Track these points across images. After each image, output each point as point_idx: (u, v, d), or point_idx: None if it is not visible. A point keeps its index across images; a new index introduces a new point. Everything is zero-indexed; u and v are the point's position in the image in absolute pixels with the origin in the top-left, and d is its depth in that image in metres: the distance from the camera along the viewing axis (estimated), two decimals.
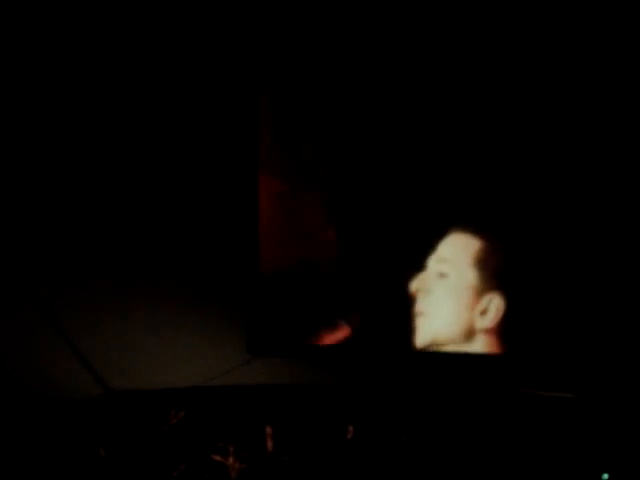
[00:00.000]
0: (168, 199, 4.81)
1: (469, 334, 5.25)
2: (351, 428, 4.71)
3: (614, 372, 5.08)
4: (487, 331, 5.24)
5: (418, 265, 5.26)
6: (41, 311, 4.57)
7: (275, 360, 4.95)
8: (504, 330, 5.22)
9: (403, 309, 5.21)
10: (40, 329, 4.60)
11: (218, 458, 4.61)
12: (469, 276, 5.28)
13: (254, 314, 4.96)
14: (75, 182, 4.66)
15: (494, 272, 5.30)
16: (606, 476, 4.74)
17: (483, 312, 5.19)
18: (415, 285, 5.18)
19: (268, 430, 4.70)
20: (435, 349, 5.15)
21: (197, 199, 4.85)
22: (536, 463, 4.73)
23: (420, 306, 5.16)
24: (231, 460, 4.62)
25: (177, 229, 4.83)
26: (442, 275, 5.21)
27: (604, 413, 4.88)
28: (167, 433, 4.62)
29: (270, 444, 4.67)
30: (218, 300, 4.89)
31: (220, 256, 4.90)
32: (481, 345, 5.22)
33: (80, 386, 4.63)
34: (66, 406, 4.54)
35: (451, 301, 5.25)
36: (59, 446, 4.45)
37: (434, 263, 5.24)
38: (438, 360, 5.08)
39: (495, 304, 5.17)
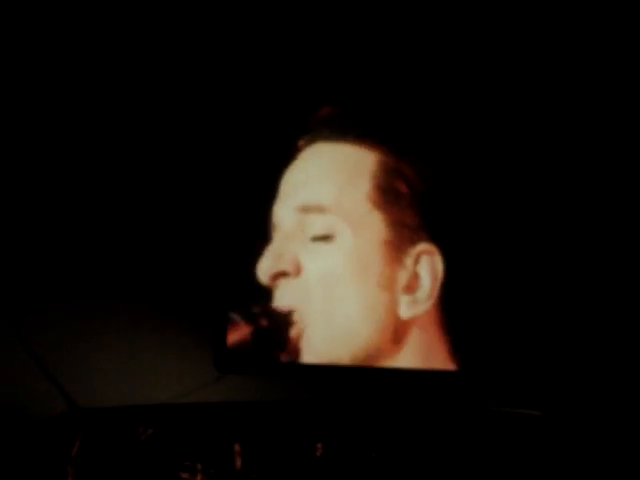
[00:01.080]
0: (136, 219, 4.82)
1: (393, 338, 3.43)
2: (320, 445, 4.70)
3: (580, 388, 5.12)
4: (421, 323, 3.41)
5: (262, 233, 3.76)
6: (7, 328, 4.51)
7: (244, 377, 4.93)
8: (449, 314, 3.43)
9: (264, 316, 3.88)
10: (5, 345, 4.54)
11: (186, 476, 4.56)
12: (372, 226, 3.34)
13: (222, 331, 4.94)
14: (43, 200, 4.64)
15: (416, 208, 3.37)
16: None
17: (409, 287, 3.36)
18: (270, 269, 3.51)
19: (237, 448, 4.66)
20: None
21: (166, 217, 4.84)
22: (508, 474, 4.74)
23: (289, 308, 3.57)
24: (199, 478, 4.57)
25: (144, 248, 4.82)
26: (321, 238, 3.46)
27: (569, 430, 4.91)
28: (134, 451, 4.56)
29: (239, 462, 4.64)
30: (186, 317, 4.86)
31: (187, 273, 4.88)
32: (413, 354, 3.54)
33: (45, 403, 4.56)
34: (30, 423, 4.47)
35: (348, 285, 3.39)
36: (24, 463, 4.38)
37: (296, 216, 3.49)
38: (392, 376, 5.04)
39: (427, 267, 3.25)
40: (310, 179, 3.57)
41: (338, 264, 3.46)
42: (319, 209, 3.52)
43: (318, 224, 3.47)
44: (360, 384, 5.00)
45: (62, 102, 4.70)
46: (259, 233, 4.67)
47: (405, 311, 3.46)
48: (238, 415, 4.75)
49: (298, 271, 3.60)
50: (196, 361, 4.83)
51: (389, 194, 3.51)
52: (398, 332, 3.53)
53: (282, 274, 3.66)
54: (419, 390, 5.06)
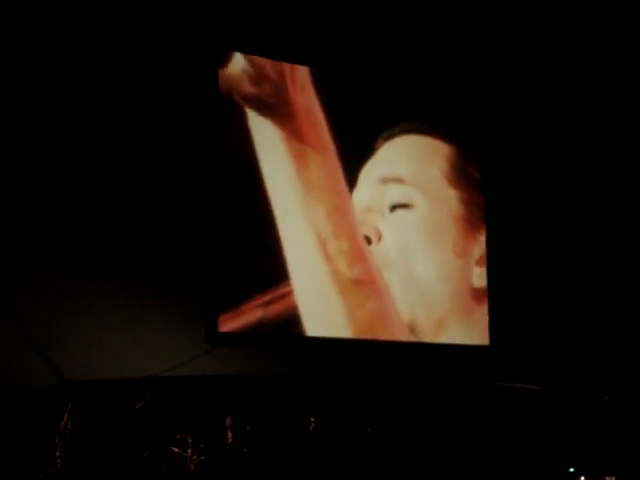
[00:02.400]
0: (129, 193, 4.75)
1: (465, 306, 3.67)
2: (313, 419, 4.66)
3: (580, 365, 5.13)
4: (482, 295, 3.72)
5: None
6: None
7: (235, 350, 4.89)
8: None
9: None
10: None
11: (176, 450, 4.51)
12: (448, 201, 3.66)
13: (213, 304, 4.89)
14: (36, 174, 4.58)
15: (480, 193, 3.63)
16: (572, 470, 4.77)
17: (480, 260, 3.60)
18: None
19: (228, 421, 4.62)
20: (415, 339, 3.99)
21: (159, 193, 4.80)
22: (502, 454, 4.75)
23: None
24: (190, 452, 4.52)
25: (135, 221, 4.75)
26: (399, 206, 3.80)
27: (570, 405, 4.91)
28: (124, 424, 4.51)
29: (230, 436, 4.60)
30: (177, 290, 4.81)
31: (179, 247, 4.83)
32: (480, 323, 3.76)
33: (34, 375, 4.51)
34: (20, 395, 4.41)
35: (425, 250, 3.68)
36: (13, 434, 4.32)
37: (376, 188, 3.81)
38: (403, 351, 5.03)
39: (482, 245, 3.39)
40: (389, 159, 3.82)
41: (416, 231, 3.66)
42: (397, 180, 3.75)
43: (397, 193, 3.69)
44: (359, 358, 4.99)
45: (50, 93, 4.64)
46: (255, 215, 4.80)
47: (477, 281, 3.66)
48: (229, 388, 4.71)
49: (379, 238, 3.70)
50: (187, 333, 4.79)
51: (462, 175, 3.82)
52: (470, 299, 3.75)
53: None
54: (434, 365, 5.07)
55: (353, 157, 4.33)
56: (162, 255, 4.80)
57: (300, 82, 4.51)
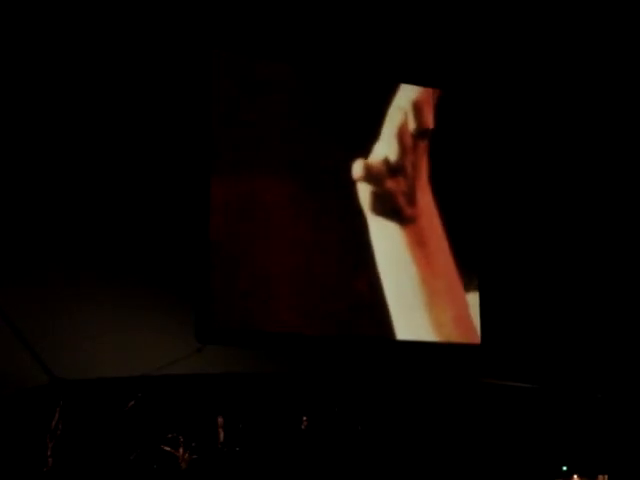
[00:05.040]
0: (119, 194, 4.75)
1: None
2: (305, 418, 4.66)
3: (573, 364, 5.14)
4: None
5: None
6: None
7: (226, 348, 4.89)
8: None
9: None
10: None
11: (168, 449, 4.50)
12: None
13: (204, 302, 4.89)
14: (31, 172, 4.57)
15: None
16: (565, 468, 4.78)
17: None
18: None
19: (219, 420, 4.61)
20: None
21: (148, 193, 4.79)
22: (495, 452, 4.76)
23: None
24: (181, 451, 4.51)
25: (126, 221, 4.74)
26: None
27: (563, 404, 4.92)
28: (115, 423, 4.49)
29: (222, 435, 4.59)
30: (168, 289, 4.80)
31: (169, 246, 4.83)
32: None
33: (25, 374, 4.49)
34: (12, 394, 4.40)
35: None
36: (4, 433, 4.31)
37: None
38: (391, 347, 5.05)
39: None
40: None
41: None
42: None
43: None
44: (350, 355, 4.99)
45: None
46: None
47: None
48: (221, 387, 4.70)
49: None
50: (178, 332, 4.78)
51: None
52: None
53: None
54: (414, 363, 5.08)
55: None
56: (153, 255, 4.80)
57: None
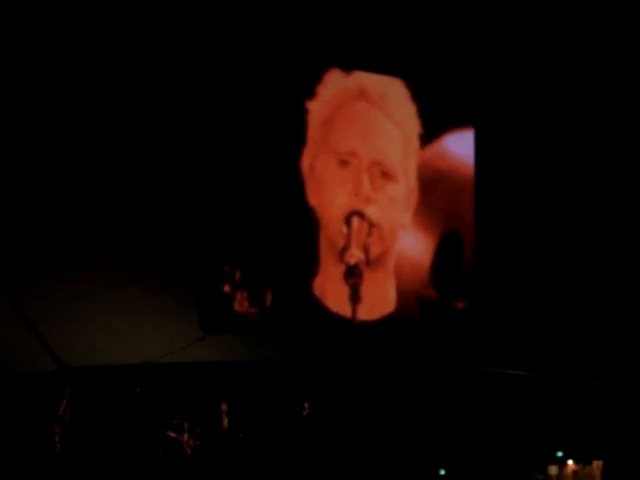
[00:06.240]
0: (129, 185, 4.82)
1: None
2: (307, 405, 4.71)
3: (568, 351, 5.17)
4: None
5: None
6: None
7: (229, 337, 4.94)
8: None
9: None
10: None
11: (173, 435, 4.56)
12: None
13: (207, 291, 4.94)
14: (35, 162, 4.62)
15: None
16: (560, 453, 4.82)
17: None
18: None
19: (223, 407, 4.67)
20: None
21: (157, 186, 4.86)
22: (491, 439, 4.79)
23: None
24: (186, 437, 4.57)
25: (134, 212, 4.81)
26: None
27: (558, 390, 4.95)
28: (122, 409, 4.56)
29: (225, 421, 4.65)
30: (172, 278, 4.87)
31: (174, 235, 4.88)
32: None
33: (33, 361, 4.55)
34: (20, 381, 4.46)
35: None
36: (13, 420, 4.37)
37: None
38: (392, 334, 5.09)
39: None
40: None
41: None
42: None
43: None
44: (352, 343, 5.05)
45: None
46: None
47: None
48: (225, 374, 4.75)
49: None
50: (182, 320, 4.83)
51: None
52: None
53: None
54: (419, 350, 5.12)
55: None
56: (159, 243, 4.86)
57: None
